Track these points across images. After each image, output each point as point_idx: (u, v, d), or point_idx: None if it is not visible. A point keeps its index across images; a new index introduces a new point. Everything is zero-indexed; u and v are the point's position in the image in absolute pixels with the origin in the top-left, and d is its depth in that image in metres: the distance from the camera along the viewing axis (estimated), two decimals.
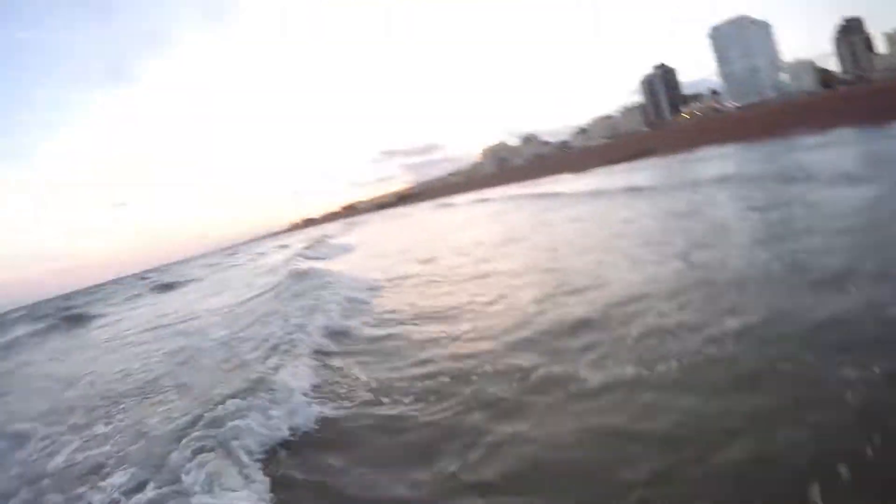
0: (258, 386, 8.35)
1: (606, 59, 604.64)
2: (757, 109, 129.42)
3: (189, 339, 15.79)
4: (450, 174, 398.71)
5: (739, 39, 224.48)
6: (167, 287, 47.80)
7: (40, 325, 39.50)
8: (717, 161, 38.76)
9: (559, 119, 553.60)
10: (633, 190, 28.06)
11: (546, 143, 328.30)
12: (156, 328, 21.41)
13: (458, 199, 78.00)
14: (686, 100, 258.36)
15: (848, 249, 9.50)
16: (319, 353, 10.41)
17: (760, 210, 15.15)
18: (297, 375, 8.97)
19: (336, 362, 9.90)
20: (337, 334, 11.65)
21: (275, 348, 11.09)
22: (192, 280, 49.62)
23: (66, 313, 43.98)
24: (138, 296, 47.77)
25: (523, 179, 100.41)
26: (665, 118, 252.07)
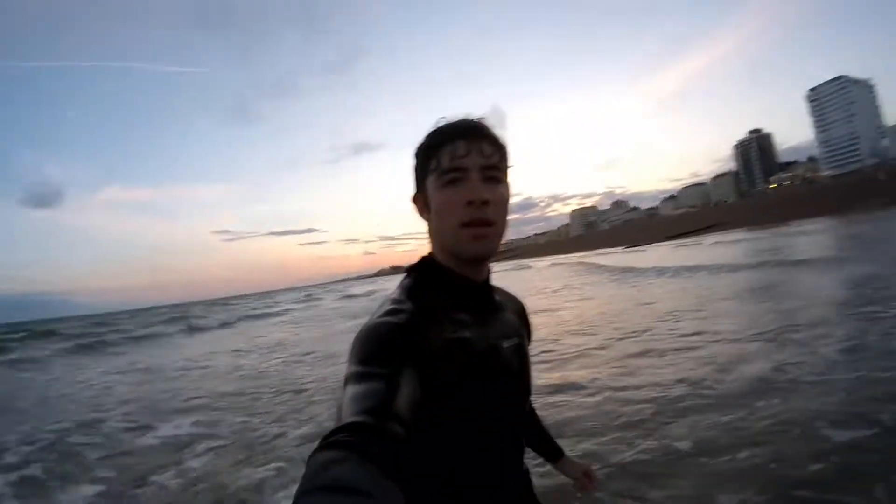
0: None
1: (712, 120, 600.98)
2: (849, 180, 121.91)
3: None
4: (537, 234, 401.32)
5: (839, 102, 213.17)
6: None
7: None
8: (759, 241, 33.54)
9: (658, 181, 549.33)
10: (629, 270, 28.21)
11: (634, 209, 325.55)
12: None
13: (538, 262, 75.91)
14: (782, 167, 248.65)
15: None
16: None
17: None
18: None
19: None
20: None
21: None
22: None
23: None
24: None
25: (601, 247, 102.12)
26: (757, 186, 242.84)
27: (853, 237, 26.53)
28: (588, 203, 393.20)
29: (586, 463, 1.80)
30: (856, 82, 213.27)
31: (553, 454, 1.68)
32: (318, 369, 11.26)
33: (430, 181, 1.17)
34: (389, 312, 1.09)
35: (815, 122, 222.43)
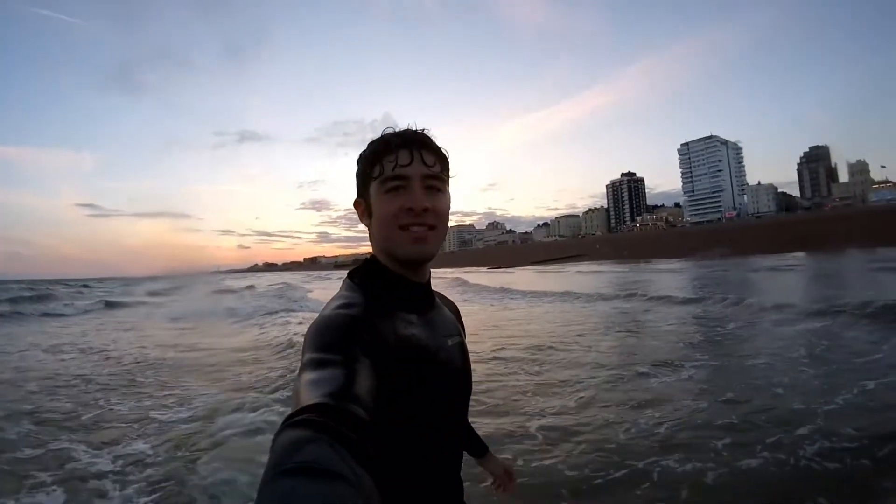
0: None
1: (593, 159, 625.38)
2: (705, 228, 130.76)
3: None
4: None
5: (707, 158, 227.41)
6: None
7: None
8: (605, 276, 35.10)
9: (536, 208, 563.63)
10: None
11: (510, 232, 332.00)
12: None
13: None
14: (649, 209, 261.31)
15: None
16: None
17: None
18: None
19: None
20: None
21: None
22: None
23: None
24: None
25: (471, 265, 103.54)
26: (626, 224, 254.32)
27: (699, 278, 28.25)
28: (468, 221, 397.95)
29: (508, 462, 1.89)
30: (724, 142, 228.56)
31: (478, 450, 1.71)
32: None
33: (373, 187, 1.18)
34: (343, 306, 1.10)
35: (683, 173, 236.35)
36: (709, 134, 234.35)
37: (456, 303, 1.54)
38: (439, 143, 1.22)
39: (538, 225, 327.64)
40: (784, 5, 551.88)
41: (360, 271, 1.24)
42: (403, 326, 1.15)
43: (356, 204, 1.25)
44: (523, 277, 41.25)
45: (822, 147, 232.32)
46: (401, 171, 1.15)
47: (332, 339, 0.98)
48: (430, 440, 1.15)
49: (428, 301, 1.27)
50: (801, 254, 45.53)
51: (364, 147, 1.23)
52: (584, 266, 60.85)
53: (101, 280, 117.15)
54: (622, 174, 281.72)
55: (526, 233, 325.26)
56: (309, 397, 0.82)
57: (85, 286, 64.53)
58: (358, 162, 1.24)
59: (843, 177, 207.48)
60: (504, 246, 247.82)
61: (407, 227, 1.15)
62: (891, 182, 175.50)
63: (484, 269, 76.62)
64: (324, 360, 0.92)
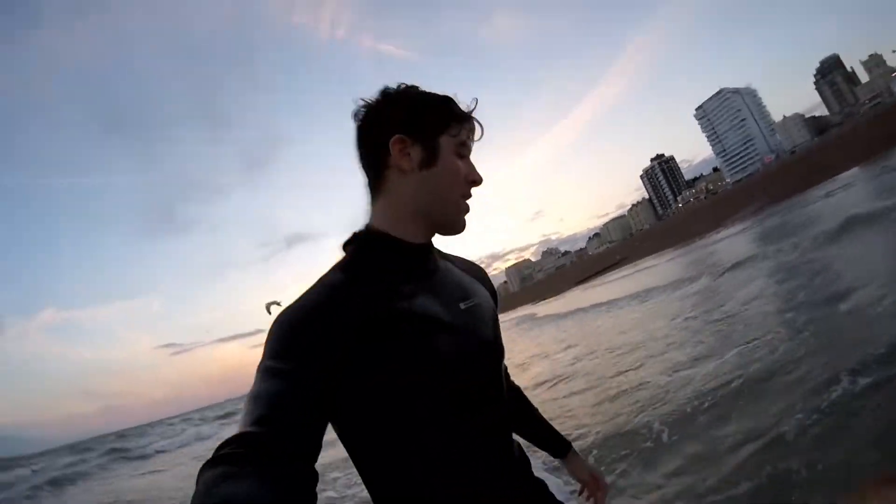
0: None
1: (622, 153, 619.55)
2: (737, 188, 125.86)
3: None
4: None
5: (725, 113, 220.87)
6: None
7: None
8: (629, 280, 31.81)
9: (587, 219, 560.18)
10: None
11: (565, 254, 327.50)
12: None
13: None
14: (689, 184, 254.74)
15: None
16: None
17: None
18: None
19: None
20: None
21: None
22: None
23: None
24: None
25: (522, 304, 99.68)
26: (671, 207, 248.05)
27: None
28: (526, 255, 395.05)
29: (595, 465, 1.69)
30: (736, 91, 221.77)
31: (558, 448, 1.52)
32: None
33: (444, 141, 1.10)
34: (310, 292, 1.00)
35: (709, 136, 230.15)
36: (717, 89, 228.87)
37: None
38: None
39: (590, 237, 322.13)
40: None
41: (352, 243, 1.13)
42: (399, 298, 1.03)
43: (399, 140, 1.08)
44: (552, 306, 37.99)
45: (832, 56, 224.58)
46: (470, 143, 1.14)
47: (284, 343, 0.90)
48: (457, 417, 1.01)
49: (429, 263, 1.16)
50: (846, 173, 40.25)
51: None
52: (627, 270, 56.92)
53: (198, 409, 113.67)
54: (651, 159, 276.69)
55: (582, 248, 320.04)
56: (245, 420, 0.78)
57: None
58: (418, 100, 1.11)
59: (864, 77, 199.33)
60: (564, 268, 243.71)
61: (464, 199, 1.13)
62: None
63: (529, 304, 73.04)
64: (272, 370, 0.86)
